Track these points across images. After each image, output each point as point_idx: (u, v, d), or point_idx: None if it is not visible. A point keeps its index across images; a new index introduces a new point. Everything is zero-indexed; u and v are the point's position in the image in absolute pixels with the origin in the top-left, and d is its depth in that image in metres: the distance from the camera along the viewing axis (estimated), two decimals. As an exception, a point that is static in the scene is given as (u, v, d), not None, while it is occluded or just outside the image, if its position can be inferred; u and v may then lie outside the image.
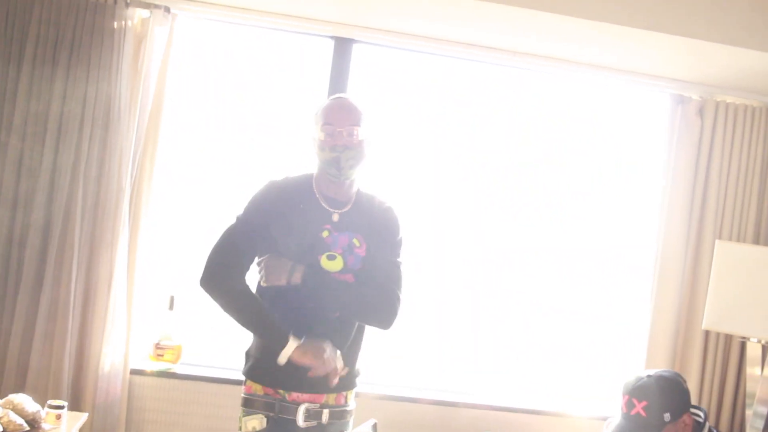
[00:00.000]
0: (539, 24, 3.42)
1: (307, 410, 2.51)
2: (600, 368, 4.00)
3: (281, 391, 2.51)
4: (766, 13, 3.42)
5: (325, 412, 2.55)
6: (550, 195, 4.06)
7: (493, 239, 4.01)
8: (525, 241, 4.03)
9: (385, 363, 3.91)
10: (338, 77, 3.76)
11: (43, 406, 2.88)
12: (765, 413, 3.48)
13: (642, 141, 4.10)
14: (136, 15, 3.49)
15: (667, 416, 2.67)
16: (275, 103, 3.88)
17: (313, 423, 2.53)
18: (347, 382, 2.60)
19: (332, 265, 2.54)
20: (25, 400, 2.83)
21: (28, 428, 2.76)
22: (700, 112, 3.85)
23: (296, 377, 2.47)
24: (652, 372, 2.78)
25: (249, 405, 2.55)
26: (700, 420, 2.80)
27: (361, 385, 2.70)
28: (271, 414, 2.50)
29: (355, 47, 3.78)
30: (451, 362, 3.99)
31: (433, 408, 3.76)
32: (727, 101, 3.87)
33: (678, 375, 2.81)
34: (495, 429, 3.59)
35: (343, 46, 3.76)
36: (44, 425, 2.82)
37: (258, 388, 2.54)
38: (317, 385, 2.50)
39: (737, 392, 3.82)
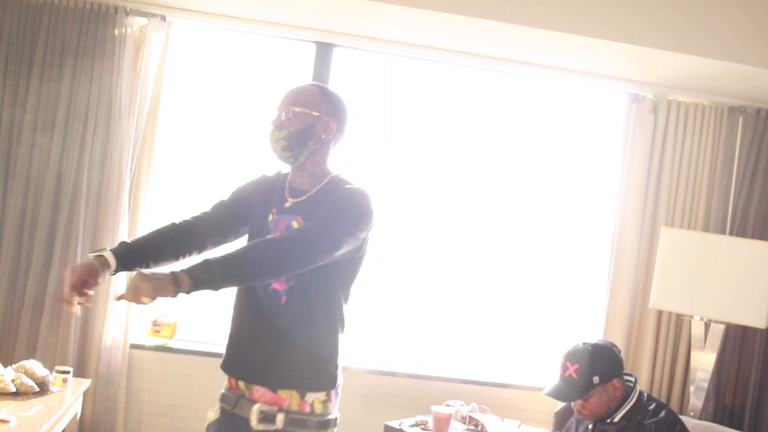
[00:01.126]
0: (503, 33, 3.68)
1: (261, 411, 2.30)
2: (561, 346, 4.28)
3: (242, 386, 2.35)
4: (708, 24, 3.66)
5: (280, 416, 2.30)
6: (516, 186, 4.30)
7: (464, 227, 4.26)
8: (495, 230, 4.29)
9: (367, 340, 4.20)
10: (319, 78, 3.99)
11: (51, 372, 3.17)
12: (705, 386, 3.74)
13: (600, 136, 4.34)
14: (135, 23, 3.75)
15: (596, 379, 2.97)
16: (261, 101, 4.10)
17: (270, 427, 2.31)
18: (305, 381, 2.34)
19: None
20: (35, 365, 3.12)
21: (38, 389, 3.04)
22: (654, 109, 4.11)
23: (234, 362, 2.40)
24: (588, 340, 3.06)
25: (219, 396, 2.43)
26: (631, 384, 3.11)
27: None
28: (228, 408, 2.35)
29: (335, 51, 4.03)
30: (427, 339, 4.26)
31: (409, 381, 4.05)
32: (679, 100, 4.12)
33: (611, 344, 3.07)
34: (466, 400, 3.87)
35: (324, 50, 4.02)
36: (52, 388, 3.09)
37: (227, 381, 2.41)
38: (259, 375, 2.35)
39: (687, 368, 4.04)
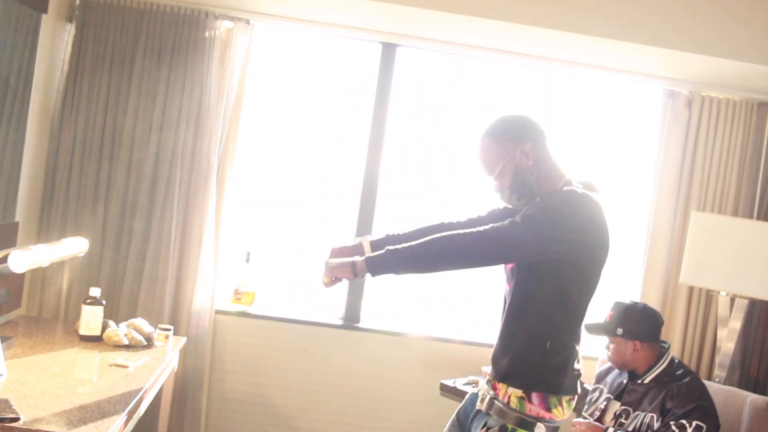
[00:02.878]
0: (549, 37, 4.01)
1: (482, 392, 2.66)
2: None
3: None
4: (734, 29, 3.97)
5: (486, 399, 2.60)
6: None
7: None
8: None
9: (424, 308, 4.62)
10: (383, 75, 4.41)
11: (155, 329, 3.62)
12: (729, 357, 4.10)
13: (638, 129, 4.67)
14: (223, 26, 4.11)
15: (619, 330, 3.40)
16: (331, 95, 4.54)
17: (481, 407, 2.62)
18: (507, 374, 2.55)
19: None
20: (143, 323, 3.60)
21: (145, 343, 3.50)
22: (689, 105, 4.42)
23: None
24: (639, 302, 3.50)
25: None
26: (664, 350, 3.51)
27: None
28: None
29: (398, 51, 4.42)
30: (477, 310, 4.66)
31: (461, 347, 4.43)
32: (712, 96, 4.43)
33: (655, 313, 3.49)
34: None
35: (389, 50, 4.42)
36: (156, 343, 3.54)
37: None
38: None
39: (715, 340, 4.36)
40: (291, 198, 4.57)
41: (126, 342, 3.47)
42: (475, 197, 4.52)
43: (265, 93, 4.45)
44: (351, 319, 4.48)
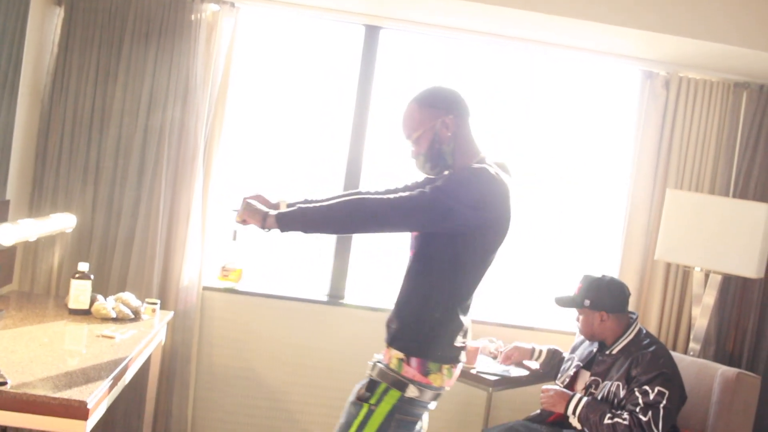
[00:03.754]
0: (529, 18, 4.06)
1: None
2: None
3: None
4: (709, 11, 4.05)
5: (377, 366, 2.66)
6: (540, 154, 4.77)
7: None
8: (522, 192, 4.73)
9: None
10: (366, 58, 4.49)
11: (142, 303, 3.73)
12: (703, 332, 4.21)
13: (616, 110, 4.77)
14: (209, 9, 4.17)
15: (587, 302, 3.51)
16: (316, 78, 4.62)
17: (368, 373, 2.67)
18: (393, 338, 2.64)
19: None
20: (130, 297, 3.70)
21: (132, 317, 3.61)
22: (666, 85, 4.50)
23: None
24: (607, 275, 3.61)
25: None
26: (632, 320, 3.61)
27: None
28: None
29: (382, 33, 4.49)
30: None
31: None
32: (689, 77, 4.50)
33: (622, 286, 3.60)
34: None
35: (372, 32, 4.49)
36: (143, 316, 3.65)
37: None
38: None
39: (691, 318, 4.42)
40: (276, 179, 4.64)
41: (113, 315, 3.57)
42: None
43: (250, 75, 4.51)
44: (336, 296, 4.59)
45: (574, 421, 3.47)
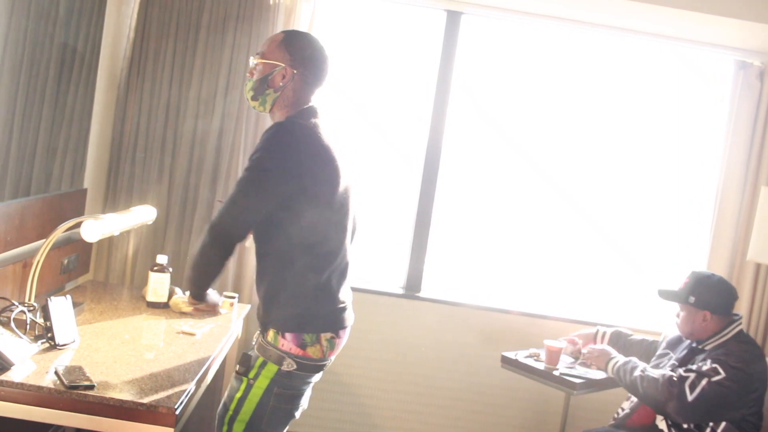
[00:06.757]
0: (620, 6, 3.95)
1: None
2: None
3: None
4: None
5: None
6: (628, 146, 4.61)
7: (581, 183, 4.63)
8: (610, 185, 4.65)
9: (482, 278, 4.62)
10: (448, 44, 4.35)
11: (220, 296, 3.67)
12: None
13: (708, 100, 4.58)
14: None
15: (691, 299, 3.39)
16: (392, 64, 4.52)
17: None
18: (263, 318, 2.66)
19: None
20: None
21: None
22: (761, 76, 4.29)
23: None
24: (717, 274, 3.51)
25: None
26: (733, 321, 3.46)
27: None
28: None
29: (463, 19, 4.35)
30: (537, 280, 4.67)
31: (520, 318, 4.42)
32: None
33: (731, 289, 3.48)
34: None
35: (453, 18, 4.35)
36: (221, 310, 3.50)
37: None
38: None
39: None
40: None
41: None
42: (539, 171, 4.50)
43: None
44: (412, 288, 4.49)
45: (662, 425, 3.37)
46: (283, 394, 2.61)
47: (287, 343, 2.56)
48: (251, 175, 2.46)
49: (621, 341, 3.92)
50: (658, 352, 3.73)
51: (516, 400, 4.42)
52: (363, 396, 4.41)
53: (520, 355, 3.94)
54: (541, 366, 3.82)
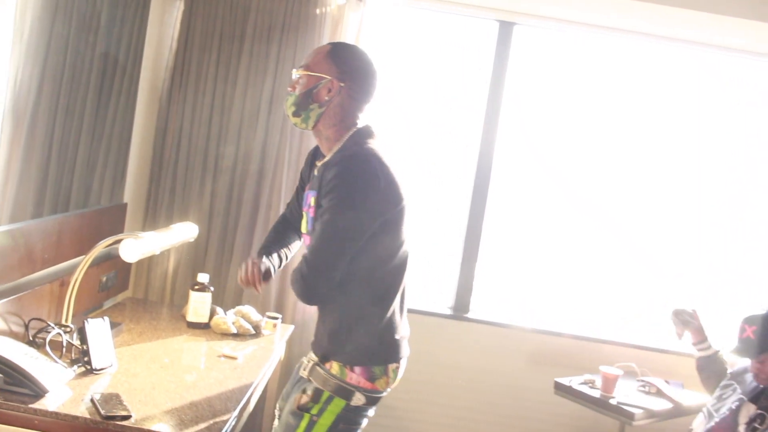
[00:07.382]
0: (678, 15, 3.79)
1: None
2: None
3: None
4: None
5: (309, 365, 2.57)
6: (695, 160, 4.42)
7: (642, 203, 4.45)
8: (672, 205, 4.46)
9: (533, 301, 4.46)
10: (500, 56, 4.20)
11: (262, 317, 3.53)
12: None
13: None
14: (334, 2, 3.94)
15: None
16: (443, 75, 4.38)
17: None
18: (325, 349, 2.52)
19: (303, 224, 2.61)
20: (251, 311, 3.51)
21: (253, 332, 3.40)
22: None
23: None
24: None
25: None
26: None
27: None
28: None
29: (515, 29, 4.21)
30: (591, 303, 4.48)
31: (572, 342, 4.25)
32: None
33: None
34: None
35: (506, 28, 4.21)
36: (264, 331, 3.45)
37: None
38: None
39: None
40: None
41: (234, 330, 3.38)
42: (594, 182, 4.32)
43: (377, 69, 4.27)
44: (460, 309, 4.32)
45: None
46: (347, 430, 2.49)
47: (356, 376, 2.46)
48: (339, 219, 2.34)
49: (716, 366, 3.64)
50: (723, 382, 3.51)
51: (569, 428, 4.23)
52: (408, 420, 4.26)
53: (575, 382, 3.77)
54: (596, 394, 3.65)
